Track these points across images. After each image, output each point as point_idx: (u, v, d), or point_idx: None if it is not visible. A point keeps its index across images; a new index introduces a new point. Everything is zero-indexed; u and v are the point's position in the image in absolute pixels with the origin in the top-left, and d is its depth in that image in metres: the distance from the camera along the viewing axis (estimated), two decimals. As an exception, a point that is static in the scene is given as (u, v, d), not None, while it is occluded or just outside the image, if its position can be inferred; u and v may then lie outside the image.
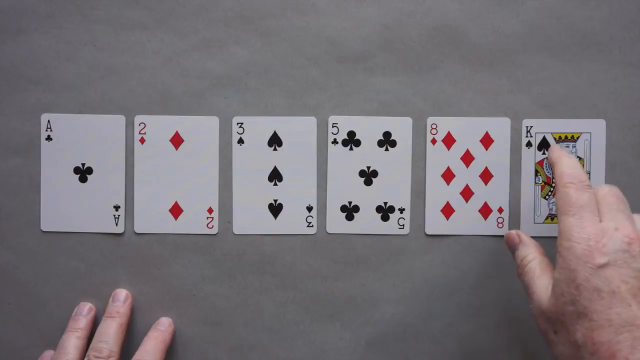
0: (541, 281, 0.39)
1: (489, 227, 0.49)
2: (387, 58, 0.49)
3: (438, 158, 0.49)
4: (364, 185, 0.49)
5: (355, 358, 0.49)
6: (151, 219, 0.49)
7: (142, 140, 0.49)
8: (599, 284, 0.35)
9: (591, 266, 0.36)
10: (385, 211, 0.49)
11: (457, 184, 0.49)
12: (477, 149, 0.49)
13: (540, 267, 0.40)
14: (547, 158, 0.44)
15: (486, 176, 0.49)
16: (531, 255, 0.41)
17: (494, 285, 0.49)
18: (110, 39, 0.49)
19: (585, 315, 0.35)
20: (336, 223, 0.49)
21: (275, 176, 0.49)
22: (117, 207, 0.49)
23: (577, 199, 0.38)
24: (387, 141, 0.49)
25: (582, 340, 0.35)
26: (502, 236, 0.49)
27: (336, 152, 0.49)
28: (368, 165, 0.49)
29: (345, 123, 0.49)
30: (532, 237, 0.49)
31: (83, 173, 0.49)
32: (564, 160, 0.41)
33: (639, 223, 0.39)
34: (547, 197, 0.49)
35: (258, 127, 0.49)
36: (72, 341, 0.46)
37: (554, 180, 0.42)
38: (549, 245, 0.48)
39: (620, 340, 0.34)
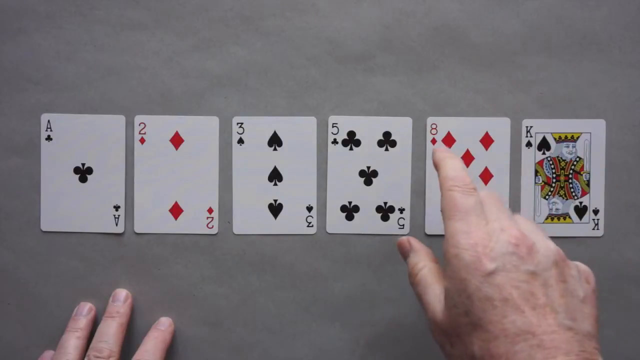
0: (433, 291, 0.37)
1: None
2: (387, 58, 0.49)
3: (438, 158, 0.49)
4: (364, 185, 0.49)
5: (355, 358, 0.49)
6: (151, 219, 0.49)
7: (142, 140, 0.49)
8: (490, 293, 0.33)
9: (481, 274, 0.34)
10: (385, 211, 0.49)
11: (457, 184, 0.49)
12: (477, 149, 0.49)
13: (432, 275, 0.38)
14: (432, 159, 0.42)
15: (486, 176, 0.49)
16: (422, 263, 0.39)
17: (494, 285, 0.49)
18: (110, 39, 0.49)
19: (480, 326, 0.33)
20: (336, 223, 0.49)
21: (275, 176, 0.49)
22: (117, 207, 0.49)
23: (463, 203, 0.37)
24: (387, 141, 0.49)
25: (479, 352, 0.33)
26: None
27: (336, 152, 0.49)
28: (368, 165, 0.49)
29: (345, 123, 0.49)
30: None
31: (83, 173, 0.49)
32: (448, 162, 0.39)
33: (521, 223, 0.37)
34: (547, 197, 0.49)
35: (258, 127, 0.49)
36: (72, 341, 0.46)
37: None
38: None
39: (517, 351, 0.32)
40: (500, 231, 0.35)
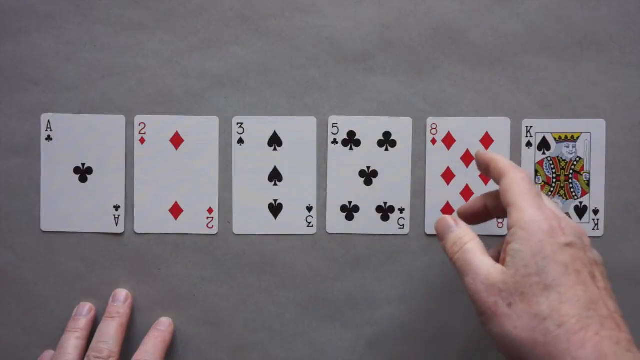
0: (484, 258, 0.38)
1: (489, 227, 0.49)
2: (387, 58, 0.49)
3: (438, 158, 0.49)
4: (364, 185, 0.49)
5: (355, 358, 0.49)
6: (151, 219, 0.49)
7: (142, 140, 0.49)
8: (566, 260, 0.36)
9: (557, 242, 0.36)
10: (385, 211, 0.49)
11: (457, 184, 0.49)
12: (477, 149, 0.49)
13: (480, 247, 0.39)
14: (476, 160, 0.44)
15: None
16: (470, 236, 0.40)
17: (494, 285, 0.49)
18: (110, 39, 0.49)
19: (552, 287, 0.35)
20: (336, 223, 0.49)
21: (275, 176, 0.49)
22: (117, 207, 0.49)
23: (532, 186, 0.39)
24: (387, 141, 0.49)
25: (547, 311, 0.35)
26: (502, 236, 0.49)
27: (336, 152, 0.49)
28: (368, 165, 0.49)
29: (345, 123, 0.49)
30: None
31: (83, 173, 0.49)
32: (503, 158, 0.42)
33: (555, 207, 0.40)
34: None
35: (258, 127, 0.49)
36: (72, 341, 0.46)
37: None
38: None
39: (590, 316, 0.34)
40: (565, 217, 0.38)
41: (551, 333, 0.34)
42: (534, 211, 0.37)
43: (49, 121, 0.49)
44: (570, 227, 0.37)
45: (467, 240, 0.40)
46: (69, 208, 0.49)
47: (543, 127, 0.49)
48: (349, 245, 0.49)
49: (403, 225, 0.49)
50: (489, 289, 0.37)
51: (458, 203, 0.49)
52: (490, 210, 0.43)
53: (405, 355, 0.49)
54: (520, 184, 0.39)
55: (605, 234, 0.49)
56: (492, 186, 0.49)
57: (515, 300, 0.36)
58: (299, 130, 0.49)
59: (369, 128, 0.49)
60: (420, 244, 0.49)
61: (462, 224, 0.42)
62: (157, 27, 0.49)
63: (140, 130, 0.49)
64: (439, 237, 0.42)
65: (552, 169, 0.49)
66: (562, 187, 0.49)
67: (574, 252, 0.36)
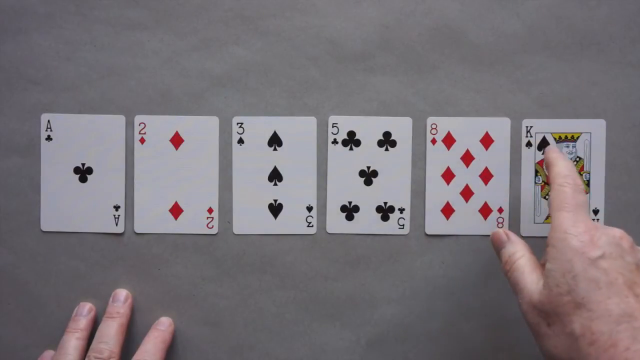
0: (530, 276, 0.39)
1: (489, 227, 0.49)
2: (387, 58, 0.49)
3: (438, 158, 0.49)
4: (364, 185, 0.49)
5: (355, 358, 0.49)
6: (151, 219, 0.49)
7: (142, 140, 0.49)
8: (596, 275, 0.36)
9: (588, 257, 0.36)
10: (385, 211, 0.49)
11: (457, 184, 0.49)
12: (477, 149, 0.49)
13: (530, 263, 0.40)
14: (543, 157, 0.45)
15: (486, 176, 0.49)
16: (520, 252, 0.41)
17: (494, 285, 0.49)
18: (110, 39, 0.49)
19: (583, 305, 0.35)
20: (336, 223, 0.49)
21: (275, 176, 0.49)
22: (117, 207, 0.49)
23: (574, 197, 0.39)
24: (387, 141, 0.49)
25: (580, 330, 0.35)
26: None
27: (336, 152, 0.49)
28: (368, 165, 0.49)
29: (345, 123, 0.49)
30: (532, 237, 0.49)
31: (83, 173, 0.49)
32: (562, 162, 0.42)
33: None
34: (547, 197, 0.49)
35: (258, 127, 0.49)
36: (72, 342, 0.46)
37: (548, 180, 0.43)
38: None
39: (621, 330, 0.34)
40: (604, 227, 0.38)
41: (583, 351, 0.34)
42: (565, 228, 0.38)
43: (49, 121, 0.49)
44: (605, 236, 0.37)
45: (517, 258, 0.41)
46: (69, 208, 0.49)
47: (543, 127, 0.49)
48: (349, 245, 0.49)
49: (403, 225, 0.49)
50: (533, 309, 0.38)
51: (458, 203, 0.49)
52: None
53: (405, 355, 0.49)
54: (560, 197, 0.40)
55: (605, 234, 0.49)
56: (492, 187, 0.49)
57: (553, 320, 0.37)
58: (299, 130, 0.49)
59: (369, 128, 0.49)
60: (420, 244, 0.49)
61: (514, 237, 0.43)
62: (157, 27, 0.49)
63: (140, 130, 0.49)
64: (495, 251, 0.44)
65: (552, 169, 0.49)
66: (562, 187, 0.49)
67: (607, 264, 0.36)
